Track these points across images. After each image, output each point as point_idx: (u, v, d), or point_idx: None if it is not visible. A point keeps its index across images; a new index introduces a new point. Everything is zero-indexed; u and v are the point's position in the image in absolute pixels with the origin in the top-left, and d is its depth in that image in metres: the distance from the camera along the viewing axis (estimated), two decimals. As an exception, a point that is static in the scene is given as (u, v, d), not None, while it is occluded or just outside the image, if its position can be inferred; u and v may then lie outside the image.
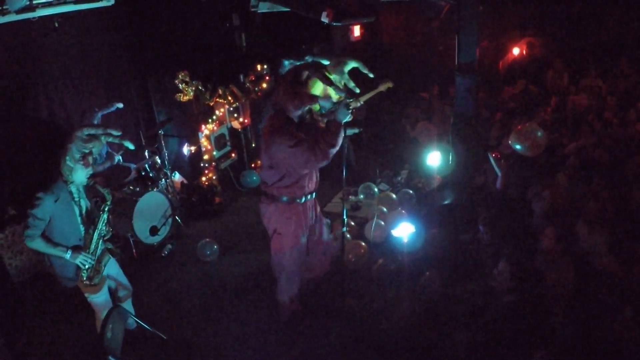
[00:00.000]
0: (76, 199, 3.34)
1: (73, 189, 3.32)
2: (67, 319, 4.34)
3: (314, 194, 3.77)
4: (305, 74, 3.35)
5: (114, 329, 3.26)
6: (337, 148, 3.38)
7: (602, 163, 4.69)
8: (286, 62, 3.54)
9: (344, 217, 3.76)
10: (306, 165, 3.40)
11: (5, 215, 4.91)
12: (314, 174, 3.72)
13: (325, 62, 3.39)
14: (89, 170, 3.29)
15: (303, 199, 3.64)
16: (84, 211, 3.41)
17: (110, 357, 3.08)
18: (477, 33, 4.81)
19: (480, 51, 5.02)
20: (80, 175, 3.26)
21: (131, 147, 3.37)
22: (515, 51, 8.63)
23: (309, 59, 3.43)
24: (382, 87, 5.78)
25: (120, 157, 5.66)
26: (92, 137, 3.21)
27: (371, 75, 4.92)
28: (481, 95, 7.33)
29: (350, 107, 3.30)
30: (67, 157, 3.19)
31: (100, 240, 3.46)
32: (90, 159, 3.25)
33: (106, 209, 3.44)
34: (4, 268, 4.69)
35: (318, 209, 3.95)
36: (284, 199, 3.59)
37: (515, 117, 6.03)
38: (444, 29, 7.43)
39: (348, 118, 3.33)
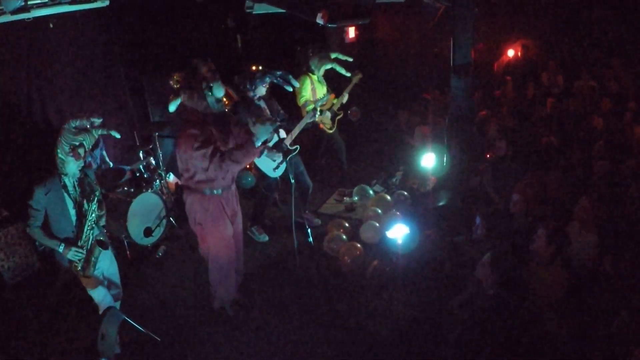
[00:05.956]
0: (71, 192, 3.42)
1: (67, 181, 3.40)
2: (60, 321, 4.32)
3: (232, 186, 3.87)
4: (203, 69, 3.41)
5: (108, 330, 3.24)
6: (241, 166, 3.54)
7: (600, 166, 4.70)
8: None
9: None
10: (207, 169, 3.48)
11: (-1, 217, 4.88)
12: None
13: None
14: (80, 163, 3.37)
15: (221, 191, 3.74)
16: (78, 203, 3.48)
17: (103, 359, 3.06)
18: (472, 35, 4.82)
19: (475, 53, 5.03)
20: (72, 167, 3.35)
21: (117, 135, 3.41)
22: (510, 53, 8.68)
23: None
24: (355, 80, 6.06)
25: (112, 163, 5.66)
26: (81, 130, 3.28)
27: (350, 59, 5.67)
28: (476, 97, 7.36)
29: (275, 126, 3.51)
30: (59, 150, 3.28)
31: (91, 232, 3.51)
32: (81, 151, 3.30)
33: (94, 200, 3.50)
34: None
35: (237, 202, 4.02)
36: (206, 191, 3.68)
37: (510, 119, 6.06)
38: (440, 30, 7.46)
39: (266, 136, 3.52)
